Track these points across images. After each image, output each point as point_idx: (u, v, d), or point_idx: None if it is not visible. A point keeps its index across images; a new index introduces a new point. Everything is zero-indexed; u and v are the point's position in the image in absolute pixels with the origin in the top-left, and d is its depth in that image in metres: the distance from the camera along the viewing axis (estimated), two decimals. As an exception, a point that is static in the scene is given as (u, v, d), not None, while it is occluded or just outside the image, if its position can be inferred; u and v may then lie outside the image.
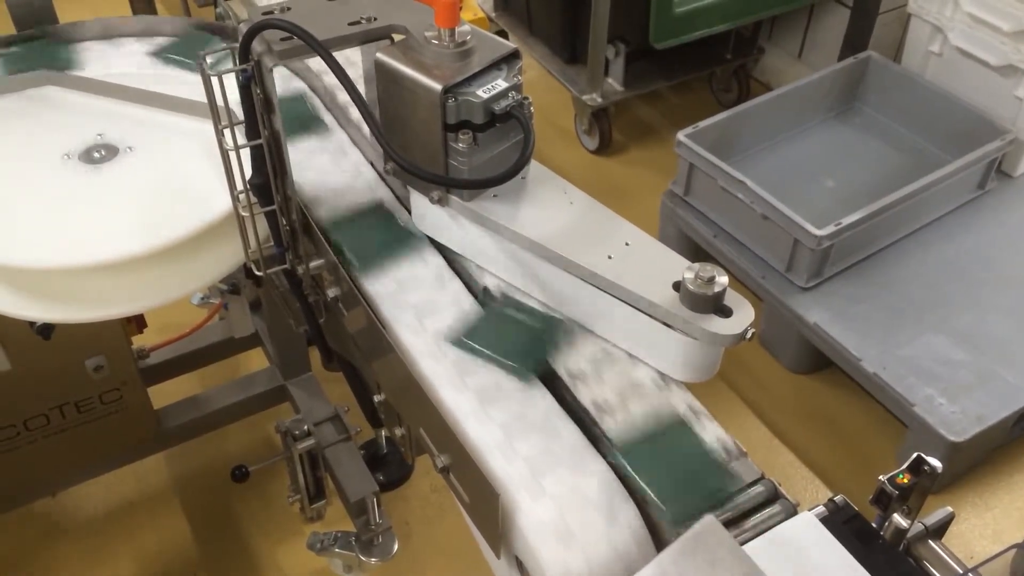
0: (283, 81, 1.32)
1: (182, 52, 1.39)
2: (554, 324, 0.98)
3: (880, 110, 2.63)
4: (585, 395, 0.92)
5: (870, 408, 2.18)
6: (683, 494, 0.83)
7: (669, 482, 0.84)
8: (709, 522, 0.69)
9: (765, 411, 2.23)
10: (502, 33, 3.11)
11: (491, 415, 0.88)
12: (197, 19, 1.45)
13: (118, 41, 1.41)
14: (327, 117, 1.29)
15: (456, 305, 1.01)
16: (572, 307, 0.98)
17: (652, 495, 0.83)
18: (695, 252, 2.41)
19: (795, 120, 2.59)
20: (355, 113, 1.24)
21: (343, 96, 1.28)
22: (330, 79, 1.30)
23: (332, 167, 1.19)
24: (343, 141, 1.24)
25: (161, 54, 1.38)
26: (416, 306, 1.01)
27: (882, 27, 2.74)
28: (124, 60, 1.37)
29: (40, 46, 1.38)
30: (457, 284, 1.04)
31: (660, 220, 2.51)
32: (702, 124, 2.37)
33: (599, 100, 2.82)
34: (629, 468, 0.85)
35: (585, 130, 2.96)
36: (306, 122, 1.27)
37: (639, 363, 0.95)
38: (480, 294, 1.03)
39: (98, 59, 1.37)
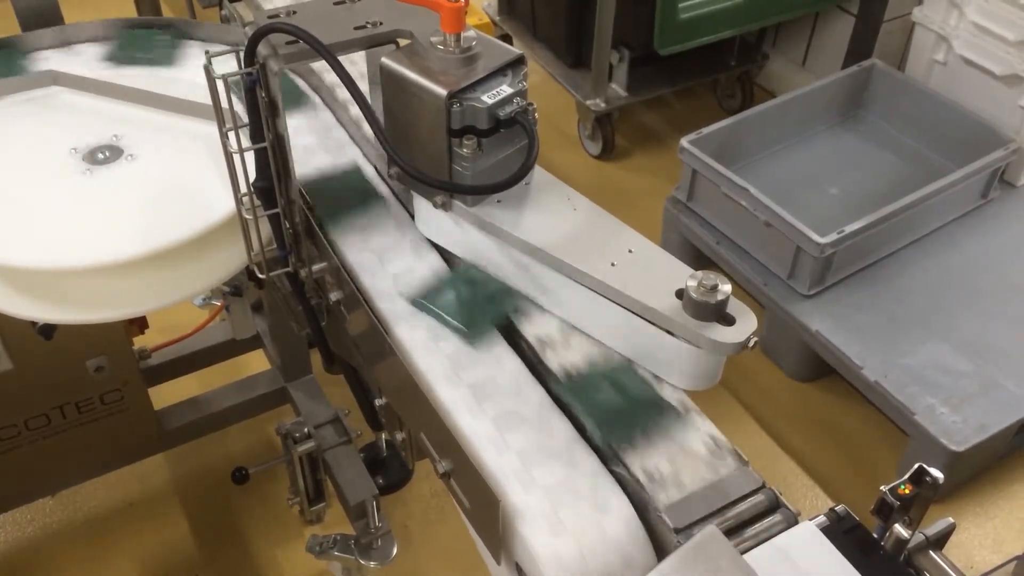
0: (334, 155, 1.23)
1: (132, 50, 1.36)
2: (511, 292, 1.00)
3: (884, 118, 2.63)
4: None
5: (871, 416, 2.17)
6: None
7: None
8: (711, 531, 0.69)
9: (766, 418, 2.23)
10: (506, 37, 3.11)
11: (509, 441, 0.88)
12: (128, 18, 1.42)
13: (33, 56, 1.37)
14: (383, 188, 1.19)
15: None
16: (574, 312, 0.98)
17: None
18: (698, 258, 2.41)
19: (799, 127, 2.59)
20: (355, 110, 1.24)
21: (343, 94, 1.28)
22: (331, 77, 1.30)
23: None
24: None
25: (113, 57, 1.36)
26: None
27: (886, 35, 2.74)
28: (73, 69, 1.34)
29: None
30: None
31: (663, 226, 2.51)
32: (706, 130, 2.37)
33: (603, 105, 2.82)
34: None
35: (588, 135, 2.96)
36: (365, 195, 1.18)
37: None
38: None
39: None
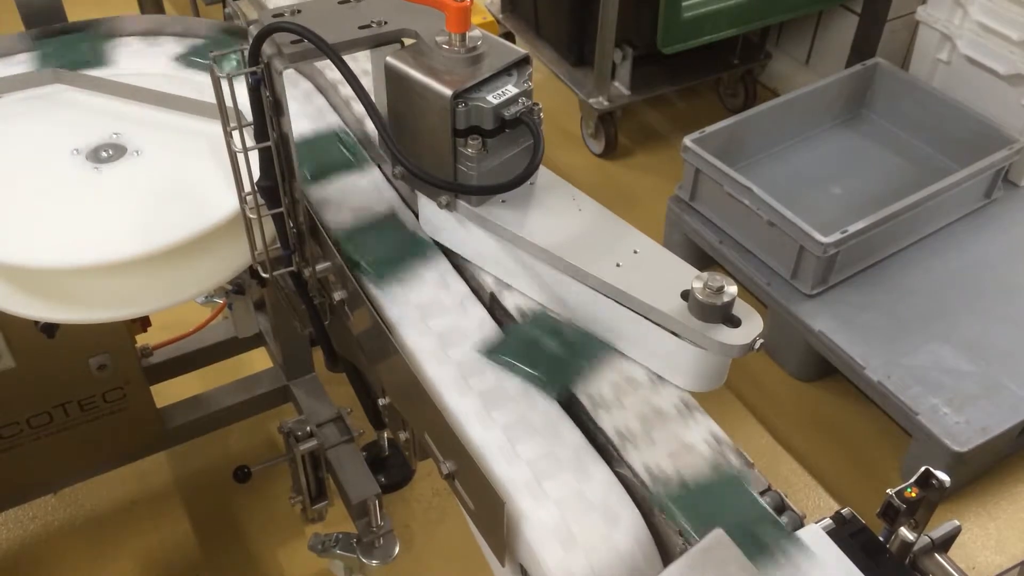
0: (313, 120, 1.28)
1: (202, 55, 1.38)
2: (581, 349, 0.96)
3: (887, 117, 2.63)
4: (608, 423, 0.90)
5: (874, 417, 2.17)
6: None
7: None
8: (718, 535, 0.69)
9: (769, 418, 2.23)
10: (509, 35, 3.11)
11: (519, 452, 0.87)
12: (229, 23, 1.44)
13: (155, 40, 1.40)
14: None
15: (461, 309, 1.01)
16: (579, 314, 0.98)
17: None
18: (700, 258, 2.41)
19: (802, 126, 2.59)
20: (359, 107, 1.23)
21: (346, 91, 1.28)
22: (334, 75, 1.30)
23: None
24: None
25: (184, 56, 1.38)
26: (422, 308, 1.01)
27: (890, 34, 2.74)
28: (141, 61, 1.36)
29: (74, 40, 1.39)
30: (462, 287, 1.04)
31: (666, 225, 2.51)
32: (709, 129, 2.36)
33: (605, 104, 2.81)
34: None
35: (591, 134, 2.96)
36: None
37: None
38: (487, 300, 1.03)
39: (129, 58, 1.36)
